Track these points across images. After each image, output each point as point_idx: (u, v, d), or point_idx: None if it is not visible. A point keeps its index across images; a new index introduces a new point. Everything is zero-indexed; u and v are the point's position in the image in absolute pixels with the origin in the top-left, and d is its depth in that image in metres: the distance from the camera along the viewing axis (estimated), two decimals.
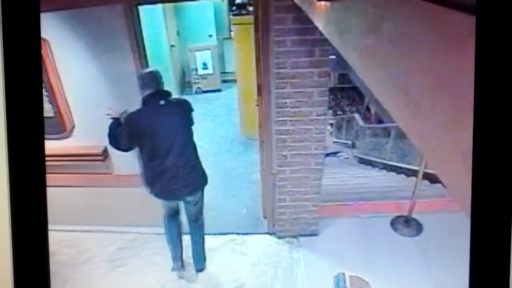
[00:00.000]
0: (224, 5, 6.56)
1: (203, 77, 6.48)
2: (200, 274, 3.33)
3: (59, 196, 2.93)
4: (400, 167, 5.00)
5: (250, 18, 3.74)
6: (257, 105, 3.45)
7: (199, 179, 3.20)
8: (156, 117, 3.01)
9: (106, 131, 3.05)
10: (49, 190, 2.21)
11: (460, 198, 1.15)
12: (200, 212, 3.31)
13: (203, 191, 3.27)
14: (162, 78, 3.10)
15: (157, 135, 3.01)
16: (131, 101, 3.29)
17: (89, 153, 3.46)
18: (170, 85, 5.48)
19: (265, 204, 3.73)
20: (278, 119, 3.26)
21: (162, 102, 3.02)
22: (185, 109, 3.11)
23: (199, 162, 3.17)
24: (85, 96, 3.34)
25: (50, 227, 2.26)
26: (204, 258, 3.40)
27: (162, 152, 3.04)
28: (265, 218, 3.75)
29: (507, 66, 1.53)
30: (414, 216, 3.56)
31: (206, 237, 3.42)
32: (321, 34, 2.55)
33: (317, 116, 3.23)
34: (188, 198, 3.23)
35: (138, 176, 3.47)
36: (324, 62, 3.09)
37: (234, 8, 5.01)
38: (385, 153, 5.40)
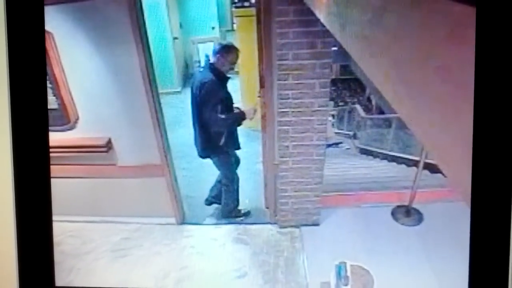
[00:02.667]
0: None
1: None
2: (203, 261, 3.37)
3: (63, 187, 2.96)
4: (401, 158, 5.00)
5: (253, 10, 3.75)
6: (259, 96, 3.48)
7: (206, 146, 3.59)
8: (194, 78, 3.67)
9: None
10: (53, 181, 2.24)
11: (460, 188, 1.18)
12: (221, 173, 3.75)
13: (216, 160, 3.67)
14: (210, 56, 3.58)
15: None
16: (134, 93, 3.32)
17: (93, 145, 3.49)
18: (173, 77, 5.53)
19: (267, 194, 3.76)
20: (280, 110, 3.29)
21: (201, 69, 3.57)
22: (199, 86, 3.49)
23: (212, 134, 3.53)
24: (89, 88, 3.36)
25: (54, 217, 2.30)
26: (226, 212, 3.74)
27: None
28: (267, 208, 3.78)
29: (507, 57, 1.55)
30: (414, 206, 3.57)
31: (209, 227, 3.59)
32: (323, 26, 2.58)
33: (319, 107, 3.26)
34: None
35: (141, 167, 3.52)
36: (326, 53, 3.12)
37: (236, 0, 5.01)
38: (386, 143, 5.40)
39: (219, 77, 3.49)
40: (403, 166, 4.82)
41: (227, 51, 3.52)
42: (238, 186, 3.79)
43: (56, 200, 2.32)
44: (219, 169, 3.75)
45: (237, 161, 3.80)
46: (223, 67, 3.50)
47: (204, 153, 3.65)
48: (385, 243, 3.30)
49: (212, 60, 3.51)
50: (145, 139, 3.43)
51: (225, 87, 3.54)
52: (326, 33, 2.91)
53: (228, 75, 3.54)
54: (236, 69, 3.80)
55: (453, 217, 2.92)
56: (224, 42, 3.72)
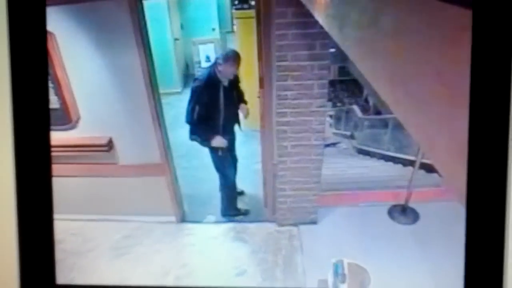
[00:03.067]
0: None
1: None
2: (202, 259, 3.41)
3: (65, 186, 2.99)
4: (397, 157, 5.02)
5: (252, 12, 3.79)
6: (258, 97, 3.51)
7: (192, 131, 3.65)
8: None
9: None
10: (54, 180, 2.26)
11: (456, 187, 1.22)
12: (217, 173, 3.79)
13: (211, 157, 3.75)
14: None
15: None
16: (135, 93, 3.36)
17: (94, 144, 3.52)
18: (174, 77, 5.57)
19: (266, 193, 3.80)
20: (279, 110, 3.32)
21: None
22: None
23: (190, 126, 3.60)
24: (91, 88, 3.40)
25: (55, 216, 2.32)
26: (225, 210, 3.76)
27: None
28: (266, 207, 3.82)
29: (502, 59, 1.59)
30: (410, 205, 3.60)
31: (208, 225, 3.65)
32: (321, 27, 2.62)
33: (317, 107, 3.30)
34: None
35: (142, 166, 3.56)
36: (324, 55, 3.16)
37: (236, 2, 5.05)
38: (383, 143, 5.43)
39: (211, 82, 3.54)
40: (400, 165, 4.85)
41: (226, 60, 3.57)
42: (233, 191, 3.84)
43: (58, 199, 2.33)
44: (216, 168, 3.77)
45: (235, 166, 3.85)
46: (221, 74, 3.54)
47: (190, 136, 3.68)
48: (381, 241, 3.32)
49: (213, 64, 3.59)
50: (146, 138, 3.47)
51: (216, 92, 3.56)
52: (324, 35, 2.94)
53: (221, 80, 3.56)
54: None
55: (448, 216, 2.95)
56: (226, 50, 3.74)
